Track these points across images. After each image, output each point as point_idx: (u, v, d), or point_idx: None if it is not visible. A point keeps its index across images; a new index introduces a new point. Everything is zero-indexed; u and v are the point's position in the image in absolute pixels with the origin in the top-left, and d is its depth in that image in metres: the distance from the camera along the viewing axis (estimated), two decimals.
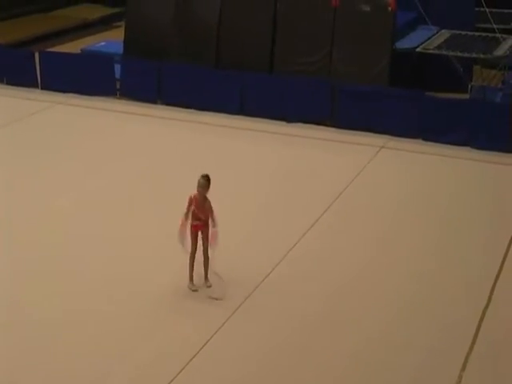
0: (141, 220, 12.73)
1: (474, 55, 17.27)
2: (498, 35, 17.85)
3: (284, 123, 16.99)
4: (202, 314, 10.28)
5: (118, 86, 19.04)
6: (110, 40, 21.46)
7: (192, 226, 10.52)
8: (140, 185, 14.06)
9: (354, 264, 11.48)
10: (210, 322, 10.04)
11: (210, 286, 10.71)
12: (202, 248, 10.57)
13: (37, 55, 19.91)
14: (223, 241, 10.44)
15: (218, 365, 9.26)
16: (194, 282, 10.72)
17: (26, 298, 10.58)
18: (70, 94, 19.06)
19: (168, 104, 18.21)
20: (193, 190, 10.40)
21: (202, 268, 10.70)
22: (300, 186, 14.04)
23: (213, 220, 10.43)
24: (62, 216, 12.91)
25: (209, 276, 10.75)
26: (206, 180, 10.34)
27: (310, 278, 11.12)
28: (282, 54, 18.25)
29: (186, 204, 10.40)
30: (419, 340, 9.70)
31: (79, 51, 20.71)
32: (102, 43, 21.22)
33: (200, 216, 10.44)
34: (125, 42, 19.84)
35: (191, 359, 9.27)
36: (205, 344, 9.55)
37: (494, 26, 17.74)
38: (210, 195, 10.43)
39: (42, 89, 19.62)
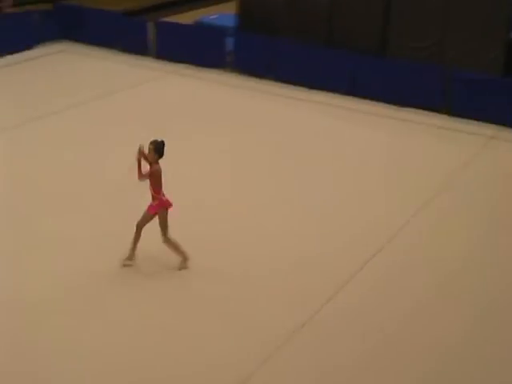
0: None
1: None
2: None
3: (394, 107, 16.94)
4: (265, 325, 9.61)
5: (229, 59, 19.32)
6: (223, 12, 21.70)
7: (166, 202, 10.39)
8: (252, 159, 14.34)
9: (439, 271, 10.90)
10: (276, 332, 9.44)
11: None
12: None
13: (152, 24, 20.35)
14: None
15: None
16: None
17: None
18: (182, 64, 19.47)
19: (278, 80, 18.38)
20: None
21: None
22: (400, 174, 13.87)
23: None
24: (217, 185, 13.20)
25: None
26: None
27: (392, 285, 10.54)
28: (395, 36, 18.12)
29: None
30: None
31: (193, 22, 21.04)
32: (215, 15, 21.49)
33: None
34: (238, 15, 20.05)
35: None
36: (266, 360, 8.96)
37: None
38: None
39: (154, 57, 20.08)
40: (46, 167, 13.74)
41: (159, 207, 10.29)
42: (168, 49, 19.95)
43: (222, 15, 21.33)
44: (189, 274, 10.56)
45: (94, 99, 17.06)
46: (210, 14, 21.82)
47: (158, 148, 10.12)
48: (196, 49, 19.54)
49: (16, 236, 11.50)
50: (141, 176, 10.21)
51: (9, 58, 19.84)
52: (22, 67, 19.42)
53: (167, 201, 10.32)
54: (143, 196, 10.45)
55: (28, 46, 20.53)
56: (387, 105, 16.98)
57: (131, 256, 10.66)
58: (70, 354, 8.95)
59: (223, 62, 19.34)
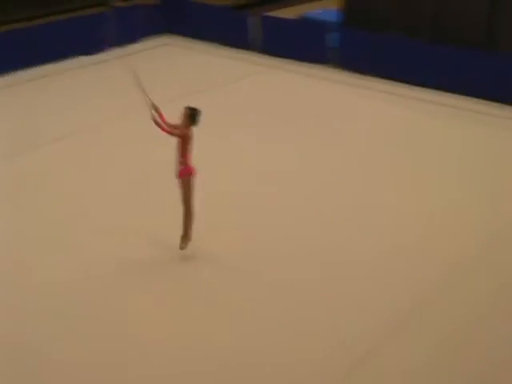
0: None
1: None
2: None
3: (498, 104, 16.33)
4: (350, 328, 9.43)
5: (332, 55, 19.08)
6: (328, 8, 21.48)
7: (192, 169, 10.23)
8: (346, 156, 14.16)
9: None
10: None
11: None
12: None
13: (255, 19, 20.32)
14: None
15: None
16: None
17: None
18: (284, 59, 19.38)
19: (382, 76, 18.05)
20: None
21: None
22: (492, 174, 13.37)
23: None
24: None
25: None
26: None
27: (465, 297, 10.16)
28: (502, 32, 17.55)
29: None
30: None
31: (297, 17, 20.92)
32: (319, 11, 21.35)
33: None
34: (344, 11, 19.80)
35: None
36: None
37: None
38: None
39: (257, 52, 20.06)
40: (136, 158, 13.96)
41: (185, 173, 10.12)
42: (271, 43, 19.92)
43: (327, 11, 21.13)
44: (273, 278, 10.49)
45: (195, 93, 17.08)
46: (315, 10, 21.67)
47: (193, 115, 10.05)
48: (299, 44, 19.45)
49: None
50: (168, 131, 10.12)
51: (112, 52, 20.18)
52: (125, 61, 19.60)
53: (193, 168, 10.16)
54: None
55: (133, 39, 20.87)
56: (492, 102, 16.37)
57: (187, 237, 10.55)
58: (70, 354, 8.93)
59: (326, 58, 19.14)
